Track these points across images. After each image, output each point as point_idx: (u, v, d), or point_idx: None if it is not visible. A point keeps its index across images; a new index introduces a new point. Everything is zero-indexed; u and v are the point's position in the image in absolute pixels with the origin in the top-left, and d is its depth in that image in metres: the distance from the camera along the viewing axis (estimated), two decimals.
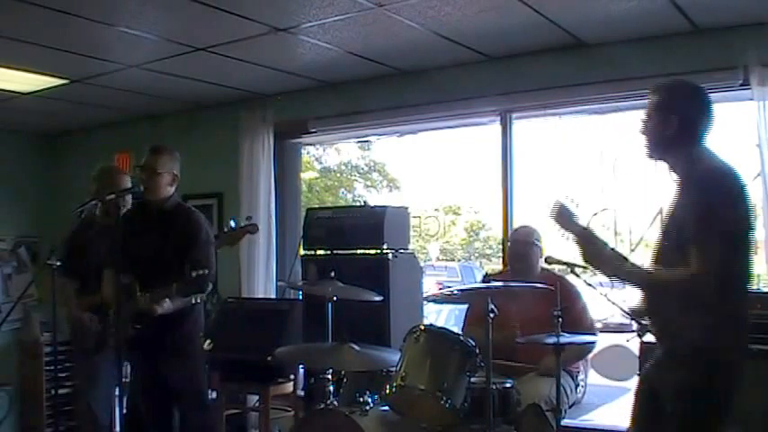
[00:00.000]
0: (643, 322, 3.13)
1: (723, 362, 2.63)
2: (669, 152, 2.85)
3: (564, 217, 2.99)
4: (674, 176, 2.85)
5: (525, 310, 4.08)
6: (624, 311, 3.25)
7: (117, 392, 4.20)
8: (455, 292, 4.18)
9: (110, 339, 4.12)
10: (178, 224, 4.14)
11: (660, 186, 2.97)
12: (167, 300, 3.92)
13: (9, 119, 6.87)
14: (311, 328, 4.85)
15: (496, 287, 3.58)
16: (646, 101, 2.94)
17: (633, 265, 2.88)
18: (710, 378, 2.61)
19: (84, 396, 4.51)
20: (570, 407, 4.19)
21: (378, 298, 4.17)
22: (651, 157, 2.90)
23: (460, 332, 4.33)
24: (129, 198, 4.38)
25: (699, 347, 2.61)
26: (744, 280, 2.73)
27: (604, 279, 3.44)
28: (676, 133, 2.79)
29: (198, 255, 3.99)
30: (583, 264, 3.03)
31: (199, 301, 4.20)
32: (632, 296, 3.16)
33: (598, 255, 2.87)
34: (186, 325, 4.20)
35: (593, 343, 4.19)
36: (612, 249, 2.89)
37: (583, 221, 2.95)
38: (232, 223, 3.85)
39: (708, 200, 2.62)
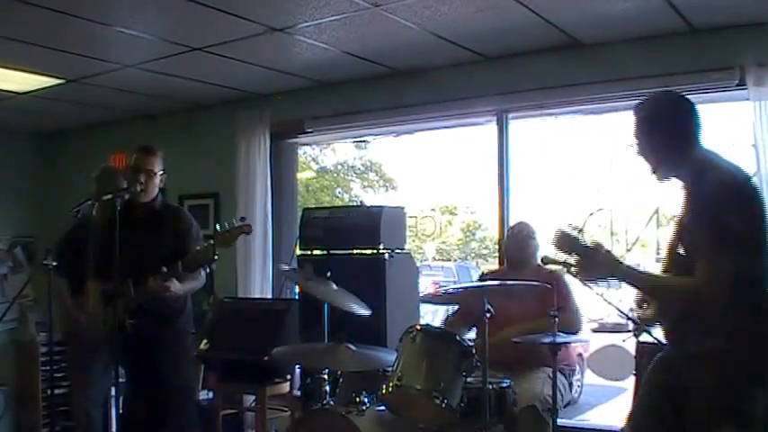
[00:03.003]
0: (642, 323, 3.13)
1: (746, 365, 2.59)
2: (671, 166, 2.80)
3: (566, 244, 2.93)
4: (682, 184, 2.80)
5: (520, 305, 4.10)
6: (620, 311, 3.26)
7: (113, 393, 4.19)
8: (450, 290, 4.19)
9: (101, 338, 4.13)
10: (168, 222, 4.20)
11: (656, 187, 2.96)
12: (175, 281, 3.93)
13: (5, 119, 6.86)
14: (308, 328, 4.84)
15: (492, 285, 3.58)
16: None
17: (643, 271, 2.83)
18: (734, 380, 2.58)
19: (78, 396, 4.51)
20: (565, 406, 4.20)
21: (367, 313, 4.04)
22: (660, 179, 2.85)
23: (442, 321, 4.33)
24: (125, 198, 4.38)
25: (724, 350, 2.57)
26: (762, 282, 2.66)
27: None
28: (668, 146, 2.76)
29: (197, 244, 4.07)
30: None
31: (206, 272, 4.18)
32: (629, 296, 3.17)
33: (606, 266, 2.80)
34: (179, 322, 4.21)
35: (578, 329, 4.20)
36: (616, 259, 2.83)
37: (586, 243, 2.91)
38: (226, 224, 3.85)
39: (716, 209, 2.57)
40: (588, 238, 2.92)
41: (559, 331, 3.68)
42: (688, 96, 2.88)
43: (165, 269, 3.87)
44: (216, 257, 3.79)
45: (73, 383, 4.80)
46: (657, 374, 2.87)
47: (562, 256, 3.35)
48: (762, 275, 2.65)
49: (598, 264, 2.80)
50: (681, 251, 2.73)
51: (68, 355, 4.90)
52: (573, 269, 3.19)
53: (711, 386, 2.60)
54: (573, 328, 4.08)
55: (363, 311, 3.99)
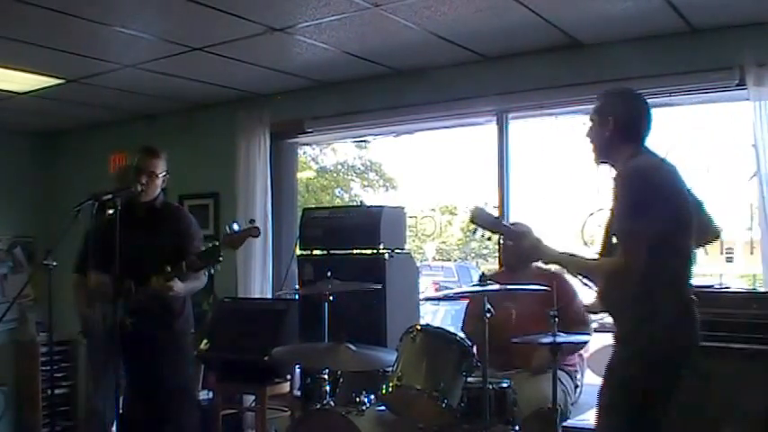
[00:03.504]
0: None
1: (656, 360, 2.69)
2: (610, 154, 2.98)
3: (485, 219, 3.15)
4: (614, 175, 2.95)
5: (522, 307, 4.10)
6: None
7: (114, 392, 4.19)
8: (450, 294, 4.19)
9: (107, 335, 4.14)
10: (169, 221, 4.22)
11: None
12: (178, 281, 3.93)
13: (5, 119, 6.86)
14: (308, 327, 4.85)
15: (493, 290, 3.58)
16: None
17: (572, 254, 3.01)
18: (643, 376, 2.68)
19: (96, 398, 4.51)
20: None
21: (376, 285, 4.21)
22: (597, 161, 3.05)
23: (460, 328, 4.36)
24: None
25: (633, 342, 2.72)
26: (673, 276, 2.78)
27: None
28: (613, 135, 2.94)
29: (198, 244, 4.11)
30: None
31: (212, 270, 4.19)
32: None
33: (533, 246, 3.06)
34: (178, 323, 4.21)
35: (585, 342, 4.20)
36: (541, 241, 3.06)
37: (503, 221, 3.13)
38: (235, 226, 3.84)
39: (626, 193, 2.75)
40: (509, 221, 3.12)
41: (568, 331, 3.68)
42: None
43: (168, 269, 3.87)
44: (221, 259, 3.79)
45: (90, 382, 4.78)
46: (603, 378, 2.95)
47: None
48: (667, 271, 2.73)
49: (525, 246, 3.07)
50: (613, 239, 2.83)
51: (87, 352, 4.89)
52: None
53: (615, 380, 2.77)
54: (582, 326, 4.07)
55: (372, 286, 4.22)
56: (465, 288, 5.11)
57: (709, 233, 3.09)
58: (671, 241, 2.73)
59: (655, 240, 2.64)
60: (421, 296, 5.67)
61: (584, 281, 3.04)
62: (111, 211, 4.02)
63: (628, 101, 3.03)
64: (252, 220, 3.97)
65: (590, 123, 3.05)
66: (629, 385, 2.71)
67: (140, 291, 3.92)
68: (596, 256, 2.96)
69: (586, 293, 3.32)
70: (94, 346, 4.45)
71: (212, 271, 3.89)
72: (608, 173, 2.98)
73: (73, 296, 4.31)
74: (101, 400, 4.42)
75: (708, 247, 3.24)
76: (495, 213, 3.15)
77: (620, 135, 2.93)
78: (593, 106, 3.09)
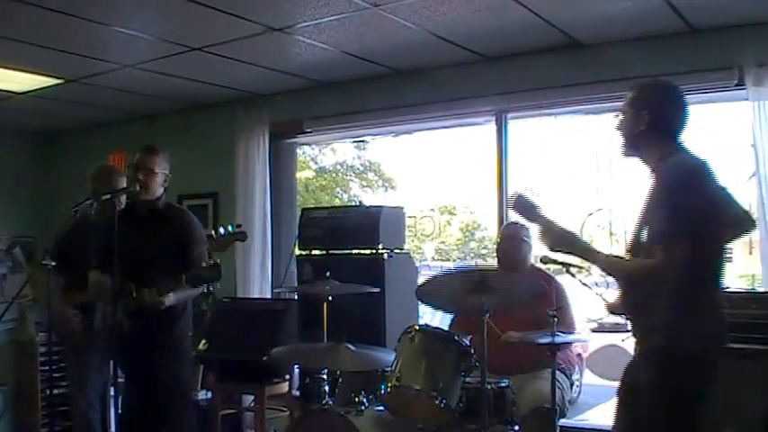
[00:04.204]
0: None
1: (693, 361, 2.62)
2: (642, 148, 2.88)
3: (525, 207, 3.04)
4: (648, 172, 2.87)
5: (516, 307, 4.08)
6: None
7: (112, 392, 4.19)
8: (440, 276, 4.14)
9: (96, 338, 4.13)
10: (172, 223, 4.15)
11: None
12: (171, 293, 3.92)
13: (4, 118, 6.86)
14: (307, 328, 4.85)
15: (470, 269, 3.55)
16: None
17: (603, 253, 2.89)
18: (680, 378, 2.61)
19: (76, 396, 4.51)
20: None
21: (374, 289, 4.19)
22: (625, 153, 2.94)
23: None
24: (124, 198, 4.37)
25: (669, 345, 2.62)
26: (711, 277, 2.73)
27: (600, 279, 3.44)
28: (648, 129, 2.82)
29: (199, 249, 4.05)
30: (578, 263, 3.06)
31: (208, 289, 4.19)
32: (611, 296, 3.18)
33: (564, 241, 2.93)
34: (178, 325, 4.20)
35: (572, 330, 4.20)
36: (577, 237, 2.95)
37: (545, 211, 3.01)
38: (221, 230, 3.84)
39: (669, 194, 2.66)
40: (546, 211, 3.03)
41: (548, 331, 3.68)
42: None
43: (166, 281, 3.84)
44: (220, 276, 3.77)
45: (72, 386, 4.79)
46: (622, 378, 2.91)
47: (561, 257, 3.36)
48: (705, 271, 2.68)
49: (558, 236, 2.92)
50: (643, 238, 2.76)
51: (66, 357, 4.89)
52: (572, 268, 3.24)
53: (650, 386, 2.64)
54: (569, 329, 4.07)
55: (371, 289, 4.18)
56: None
57: (745, 223, 3.06)
58: (712, 243, 2.69)
59: (697, 242, 2.58)
60: None
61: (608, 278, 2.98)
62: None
63: (664, 95, 2.88)
64: (239, 225, 3.96)
65: (622, 116, 2.92)
66: (669, 391, 2.62)
67: (134, 300, 3.86)
68: (624, 254, 2.88)
69: (610, 293, 3.25)
70: (72, 346, 4.45)
71: (211, 288, 3.87)
72: (624, 168, 2.89)
73: (51, 297, 4.30)
74: (89, 407, 4.42)
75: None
76: (536, 201, 3.06)
77: (655, 131, 2.81)
78: (626, 97, 2.93)
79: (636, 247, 2.81)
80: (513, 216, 3.14)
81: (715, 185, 2.77)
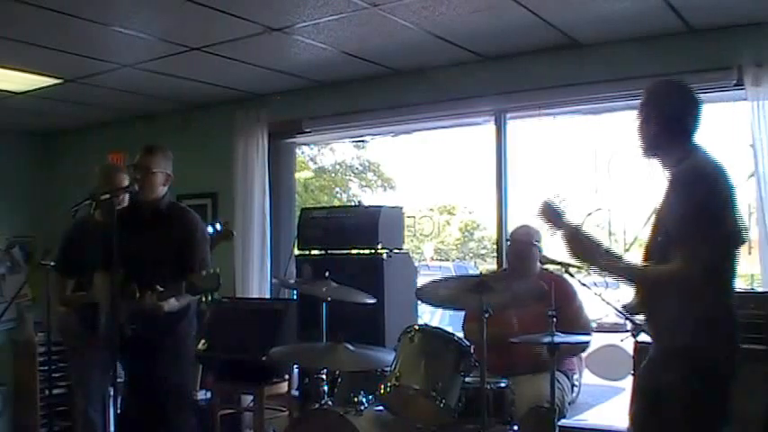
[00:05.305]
0: (637, 321, 3.15)
1: (715, 362, 2.64)
2: (659, 149, 2.89)
3: (551, 215, 3.03)
4: (666, 173, 2.88)
5: (523, 310, 4.08)
6: (618, 310, 3.27)
7: (111, 393, 4.20)
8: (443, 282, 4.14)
9: (99, 339, 4.13)
10: (174, 224, 4.12)
11: (655, 186, 2.98)
12: (172, 298, 3.91)
13: (3, 118, 6.86)
14: (306, 327, 4.84)
15: (472, 276, 3.56)
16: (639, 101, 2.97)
17: (624, 261, 2.90)
18: (703, 378, 2.62)
19: (78, 396, 4.51)
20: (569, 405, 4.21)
21: (371, 300, 4.17)
22: (644, 155, 2.95)
23: (460, 330, 4.35)
24: (126, 197, 4.36)
25: (691, 347, 2.63)
26: (730, 279, 2.74)
27: (599, 279, 3.45)
28: (663, 130, 2.84)
29: (201, 253, 4.03)
30: (575, 263, 3.05)
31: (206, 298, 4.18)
32: (627, 295, 3.17)
33: (587, 251, 2.90)
34: (181, 326, 4.18)
35: (586, 342, 4.20)
36: (601, 245, 2.91)
37: (572, 219, 2.97)
38: (210, 229, 3.83)
39: (690, 197, 2.66)
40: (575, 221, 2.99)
41: (566, 332, 3.68)
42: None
43: (160, 288, 3.79)
44: (219, 286, 3.77)
45: (74, 387, 4.79)
46: (641, 378, 2.90)
47: (561, 257, 3.37)
48: (725, 273, 2.70)
49: (583, 247, 2.90)
50: (659, 239, 2.78)
51: (68, 357, 4.89)
52: (572, 268, 3.23)
53: (676, 386, 2.65)
54: (580, 328, 4.07)
55: (368, 300, 4.11)
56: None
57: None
58: (730, 245, 2.70)
59: (718, 245, 2.60)
60: None
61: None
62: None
63: (678, 96, 2.89)
64: (226, 222, 3.96)
65: (638, 117, 2.92)
66: (699, 390, 2.63)
67: (135, 305, 3.83)
68: (641, 258, 2.89)
69: (609, 293, 3.25)
70: (75, 348, 4.44)
71: (210, 297, 3.87)
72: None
73: (53, 297, 4.29)
74: (95, 409, 4.42)
75: None
76: (563, 208, 3.05)
77: (668, 132, 2.83)
78: (641, 99, 2.95)
79: (653, 251, 2.82)
80: (537, 221, 3.12)
81: (733, 189, 2.76)
